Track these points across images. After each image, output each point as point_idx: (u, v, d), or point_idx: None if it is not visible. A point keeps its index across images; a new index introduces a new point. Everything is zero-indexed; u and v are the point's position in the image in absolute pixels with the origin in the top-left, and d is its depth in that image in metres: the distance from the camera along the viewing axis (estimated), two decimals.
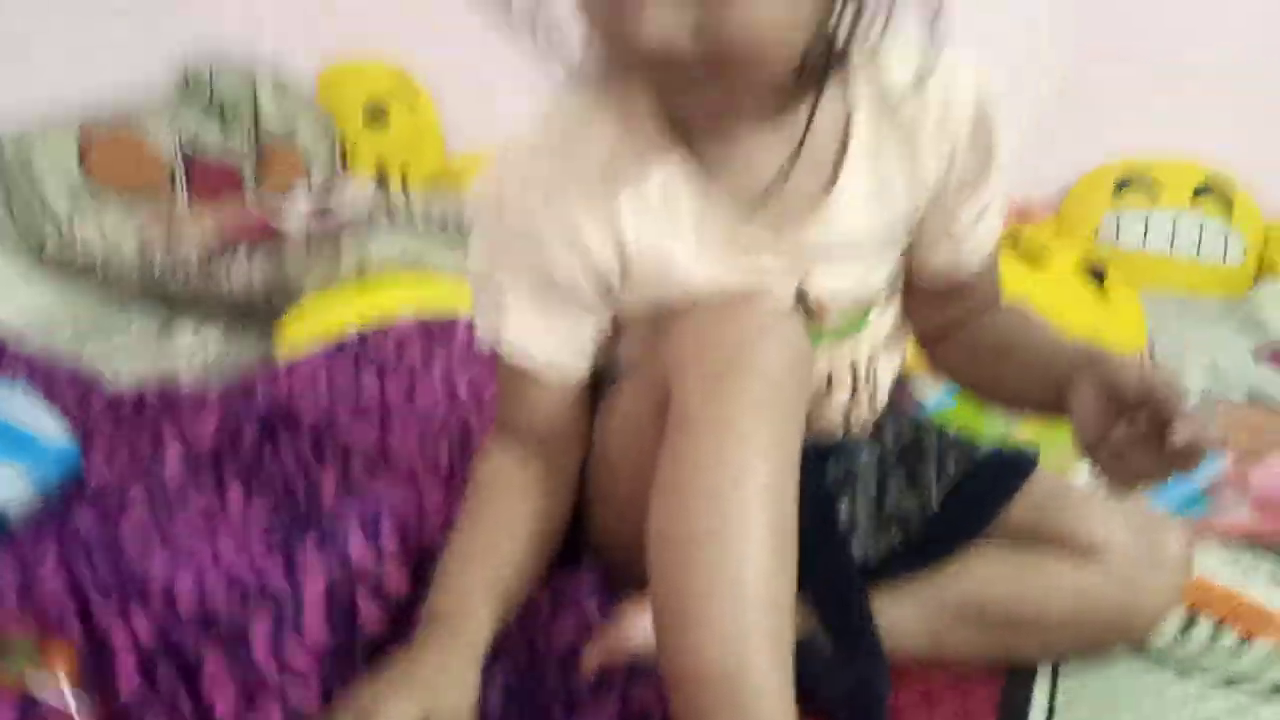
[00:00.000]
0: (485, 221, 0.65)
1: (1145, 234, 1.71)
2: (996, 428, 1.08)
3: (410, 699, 0.54)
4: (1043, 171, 1.87)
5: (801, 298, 0.65)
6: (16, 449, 0.80)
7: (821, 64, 0.58)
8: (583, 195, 0.61)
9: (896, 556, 0.70)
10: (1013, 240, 1.32)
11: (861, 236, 0.64)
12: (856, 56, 0.60)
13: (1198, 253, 1.67)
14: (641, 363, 0.66)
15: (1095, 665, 0.72)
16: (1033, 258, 1.29)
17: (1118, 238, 1.72)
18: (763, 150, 0.61)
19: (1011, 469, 0.71)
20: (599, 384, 0.70)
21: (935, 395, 1.18)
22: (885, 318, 0.71)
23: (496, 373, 0.69)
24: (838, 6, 0.56)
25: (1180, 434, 0.54)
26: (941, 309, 0.72)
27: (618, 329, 0.68)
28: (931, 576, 0.70)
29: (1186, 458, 0.56)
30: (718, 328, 0.57)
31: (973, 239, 0.68)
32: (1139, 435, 0.57)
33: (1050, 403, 0.64)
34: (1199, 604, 0.77)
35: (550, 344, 0.65)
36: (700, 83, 0.54)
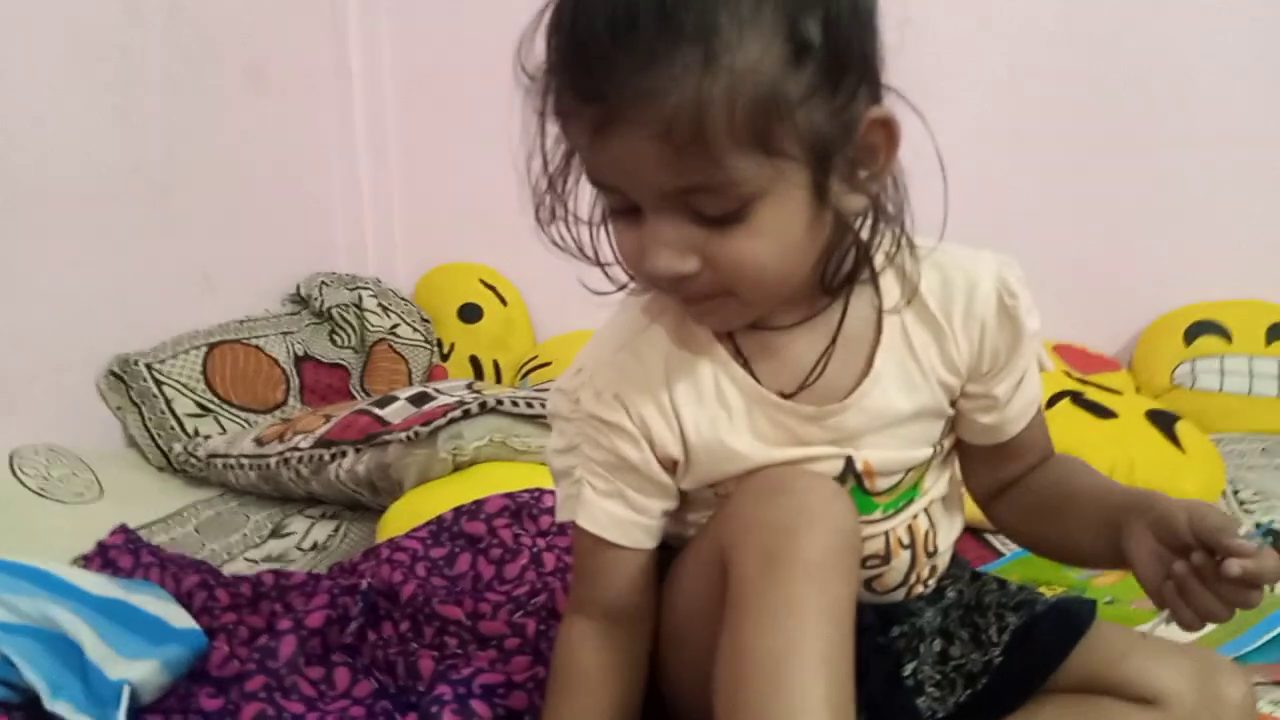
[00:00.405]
0: (563, 414, 0.73)
1: (1222, 377, 1.72)
2: (1073, 579, 1.09)
3: None
4: (1107, 323, 1.90)
5: (850, 468, 0.70)
6: (154, 636, 0.89)
7: (846, 274, 0.66)
8: (646, 393, 0.69)
9: (963, 710, 0.72)
10: (1081, 393, 1.35)
11: (900, 414, 0.69)
12: (881, 261, 0.67)
13: (1278, 393, 1.67)
14: (703, 532, 0.71)
15: None
16: (1101, 409, 1.32)
17: (1194, 384, 1.72)
18: (801, 345, 0.68)
19: (1070, 620, 0.73)
20: (666, 549, 0.76)
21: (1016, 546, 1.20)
22: (939, 485, 0.75)
23: (574, 551, 0.75)
24: (856, 225, 0.64)
25: (1232, 567, 0.57)
26: (993, 470, 0.76)
27: (685, 500, 0.74)
28: None
29: (1245, 591, 0.59)
30: (768, 510, 0.62)
31: (1014, 405, 0.72)
32: (1197, 572, 0.60)
33: (1108, 552, 0.67)
34: None
35: (624, 521, 0.70)
36: (720, 299, 0.62)
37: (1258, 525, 0.63)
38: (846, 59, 0.57)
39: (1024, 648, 0.72)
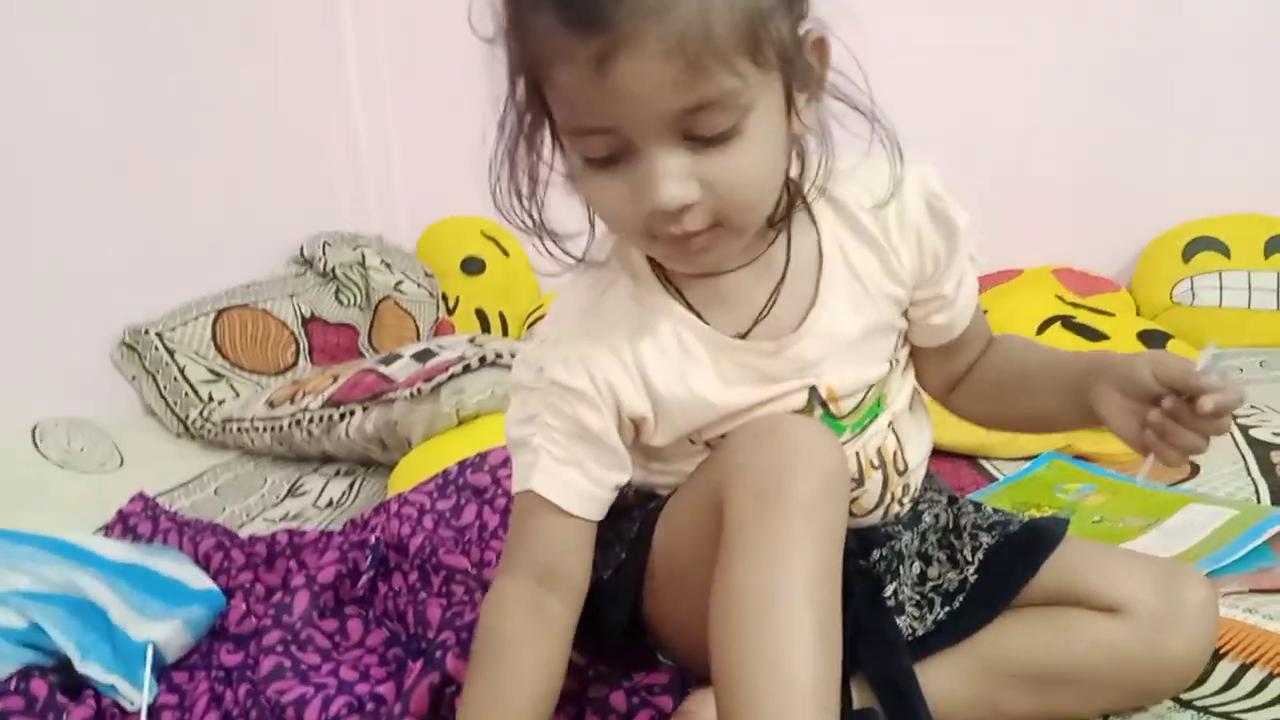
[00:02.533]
0: (526, 384, 0.73)
1: (1221, 293, 1.72)
2: (1063, 500, 1.12)
3: None
4: (1107, 243, 1.90)
5: (814, 396, 0.73)
6: (174, 598, 0.93)
7: (786, 206, 0.69)
8: (611, 354, 0.71)
9: (940, 628, 0.75)
10: (1072, 317, 1.36)
11: (852, 335, 0.72)
12: (814, 192, 0.70)
13: (1277, 305, 1.67)
14: (696, 477, 0.73)
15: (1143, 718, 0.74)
16: (1092, 332, 1.33)
17: (1194, 301, 1.73)
18: (749, 286, 0.71)
19: (1041, 539, 0.76)
20: (656, 498, 0.79)
21: (1010, 470, 1.23)
22: (901, 397, 0.78)
23: (514, 517, 0.73)
24: (792, 157, 0.67)
25: (1206, 404, 0.63)
26: (946, 365, 0.80)
27: (666, 453, 0.76)
28: (975, 643, 0.74)
29: (1218, 420, 0.65)
30: (758, 453, 0.65)
31: (961, 300, 0.76)
32: (1173, 415, 0.65)
33: (1075, 415, 0.73)
34: (1249, 653, 0.79)
35: (580, 490, 0.71)
36: (712, 232, 0.63)
37: (1211, 353, 0.67)
38: None
39: (996, 565, 0.75)
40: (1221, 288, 1.71)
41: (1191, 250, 1.77)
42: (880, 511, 0.78)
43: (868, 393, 0.75)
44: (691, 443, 0.75)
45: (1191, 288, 1.74)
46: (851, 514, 0.75)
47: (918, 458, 0.79)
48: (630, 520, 0.79)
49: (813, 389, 0.72)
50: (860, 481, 0.76)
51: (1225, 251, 1.74)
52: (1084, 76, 1.87)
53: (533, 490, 0.71)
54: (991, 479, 1.23)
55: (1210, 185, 1.83)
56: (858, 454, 0.75)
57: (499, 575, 0.73)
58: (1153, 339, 1.32)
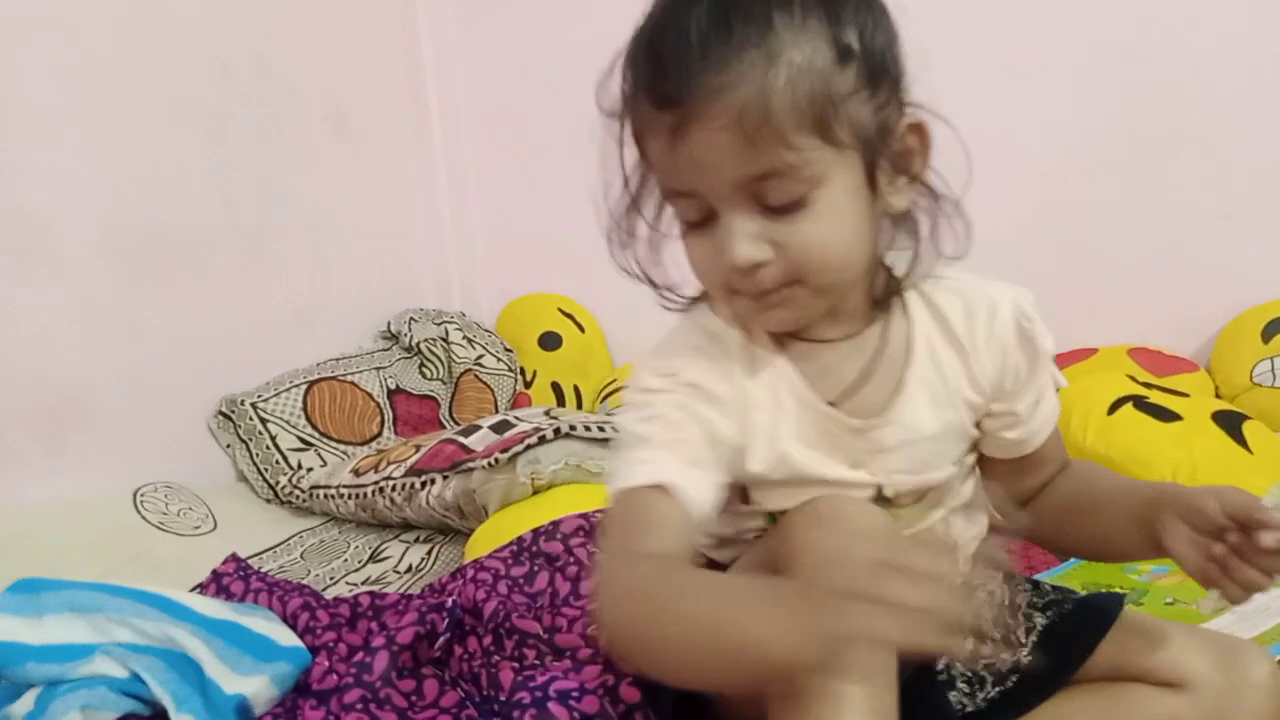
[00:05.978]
0: (653, 385, 0.72)
1: None
2: (1135, 582, 1.11)
3: None
4: (1185, 322, 1.89)
5: (880, 497, 0.75)
6: (264, 654, 0.98)
7: (885, 294, 0.74)
8: (726, 379, 0.72)
9: (994, 705, 0.76)
10: (1144, 397, 1.36)
11: (927, 433, 0.75)
12: (915, 289, 0.75)
13: None
14: (755, 552, 0.76)
15: None
16: (1165, 413, 1.32)
17: (1275, 382, 1.70)
18: (844, 360, 0.75)
19: (1096, 616, 0.77)
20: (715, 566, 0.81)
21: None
22: (960, 495, 0.80)
23: (613, 520, 0.68)
24: (888, 234, 0.71)
25: (1265, 539, 0.64)
26: (1018, 482, 0.82)
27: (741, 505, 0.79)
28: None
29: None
30: (818, 529, 0.66)
31: (1036, 420, 0.78)
32: (1236, 550, 0.66)
33: (1141, 545, 0.72)
34: None
35: (700, 485, 0.68)
36: (789, 290, 0.67)
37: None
38: (882, 65, 0.65)
39: (1051, 644, 0.76)
40: None
41: (1271, 330, 1.75)
42: None
43: (925, 495, 0.77)
44: (744, 502, 0.77)
45: (1272, 368, 1.71)
46: None
47: (968, 537, 0.81)
48: None
49: (880, 490, 0.75)
50: None
51: None
52: (1160, 157, 1.88)
53: (658, 484, 0.67)
54: (1064, 558, 1.22)
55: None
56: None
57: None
58: (1228, 420, 1.30)
